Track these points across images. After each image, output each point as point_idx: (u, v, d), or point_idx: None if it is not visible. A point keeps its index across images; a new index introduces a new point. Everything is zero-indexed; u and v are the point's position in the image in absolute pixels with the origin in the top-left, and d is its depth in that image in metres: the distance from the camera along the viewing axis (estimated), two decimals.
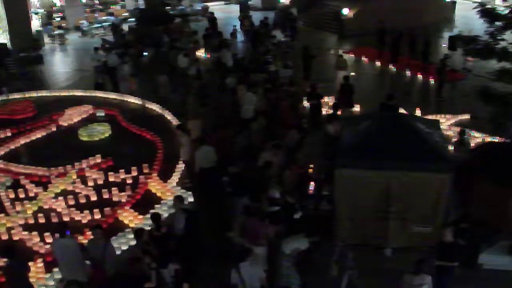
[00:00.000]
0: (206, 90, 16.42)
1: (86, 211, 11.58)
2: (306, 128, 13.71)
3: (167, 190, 12.33)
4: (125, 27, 27.06)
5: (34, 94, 19.44)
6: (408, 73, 19.83)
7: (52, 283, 9.51)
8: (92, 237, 9.18)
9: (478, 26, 11.59)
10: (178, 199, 9.97)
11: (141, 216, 11.35)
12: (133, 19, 28.12)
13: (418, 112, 15.23)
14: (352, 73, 18.90)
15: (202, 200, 11.83)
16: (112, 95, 18.87)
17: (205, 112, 15.17)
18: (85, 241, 10.46)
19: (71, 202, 12.07)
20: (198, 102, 15.53)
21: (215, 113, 15.18)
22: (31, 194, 12.57)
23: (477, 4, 11.17)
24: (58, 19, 30.71)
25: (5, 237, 11.06)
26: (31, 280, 9.15)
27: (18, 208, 11.95)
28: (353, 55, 22.20)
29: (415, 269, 7.80)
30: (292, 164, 10.97)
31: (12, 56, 22.56)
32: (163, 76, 18.11)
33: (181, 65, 19.20)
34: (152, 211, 10.55)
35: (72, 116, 16.99)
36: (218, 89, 16.89)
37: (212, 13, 27.53)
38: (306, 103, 15.91)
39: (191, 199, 12.01)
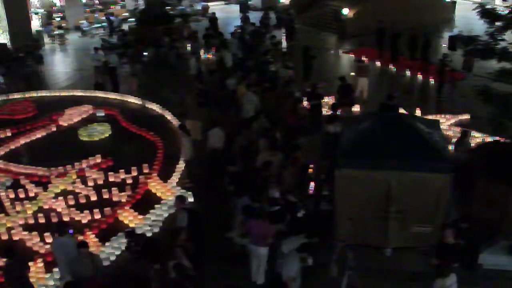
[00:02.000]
0: (206, 90, 16.41)
1: (86, 211, 11.59)
2: (307, 128, 13.70)
3: (167, 190, 12.33)
4: (125, 27, 27.07)
5: (34, 94, 19.46)
6: (408, 73, 19.83)
7: (52, 283, 9.50)
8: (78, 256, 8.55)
9: (478, 26, 11.59)
10: (180, 199, 9.97)
11: (141, 216, 11.36)
12: (133, 19, 28.12)
13: (418, 112, 15.23)
14: (352, 73, 18.88)
15: (203, 199, 11.86)
16: (112, 95, 18.87)
17: (205, 112, 15.17)
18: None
19: (71, 202, 12.08)
20: (197, 102, 15.53)
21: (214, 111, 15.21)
22: (31, 194, 12.57)
23: (477, 4, 11.17)
24: (58, 19, 30.67)
25: (5, 237, 11.06)
26: (31, 280, 9.15)
27: (18, 208, 11.95)
28: (353, 55, 22.19)
29: (443, 272, 7.83)
30: (291, 164, 10.97)
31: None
32: (137, 65, 18.32)
33: (193, 69, 19.15)
34: (127, 229, 10.34)
35: (72, 116, 16.99)
36: (218, 89, 16.87)
37: (214, 13, 27.42)
38: (306, 103, 15.89)
39: (191, 199, 12.02)
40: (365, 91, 16.90)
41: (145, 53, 22.50)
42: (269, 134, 12.21)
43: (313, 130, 13.95)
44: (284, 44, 22.89)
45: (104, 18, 30.01)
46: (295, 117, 13.94)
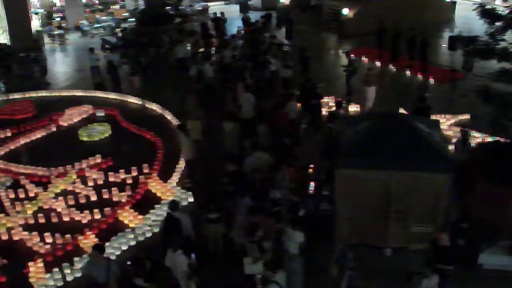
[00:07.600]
0: (206, 90, 16.42)
1: (86, 211, 11.59)
2: (306, 129, 13.68)
3: (167, 190, 12.33)
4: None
5: (34, 94, 19.45)
6: (408, 73, 19.82)
7: (52, 283, 9.50)
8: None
9: (478, 26, 11.59)
10: (171, 204, 9.81)
11: (141, 216, 11.36)
12: (133, 19, 28.11)
13: None
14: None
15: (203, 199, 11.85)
16: (112, 95, 18.87)
17: (205, 112, 15.17)
18: (85, 241, 10.52)
19: (71, 202, 12.08)
20: (198, 102, 15.52)
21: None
22: (31, 194, 12.57)
23: (477, 4, 11.17)
24: (58, 19, 30.68)
25: (5, 237, 11.06)
26: (31, 280, 9.14)
27: (18, 208, 11.95)
28: (353, 55, 22.14)
29: (431, 270, 7.83)
30: (291, 164, 10.97)
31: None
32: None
33: (207, 73, 19.05)
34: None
35: (72, 116, 16.99)
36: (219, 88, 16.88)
37: (215, 13, 27.18)
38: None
39: (191, 199, 12.02)
40: (371, 101, 15.80)
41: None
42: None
43: (313, 130, 13.91)
44: (284, 43, 22.84)
45: (104, 18, 30.03)
46: (289, 120, 13.82)
